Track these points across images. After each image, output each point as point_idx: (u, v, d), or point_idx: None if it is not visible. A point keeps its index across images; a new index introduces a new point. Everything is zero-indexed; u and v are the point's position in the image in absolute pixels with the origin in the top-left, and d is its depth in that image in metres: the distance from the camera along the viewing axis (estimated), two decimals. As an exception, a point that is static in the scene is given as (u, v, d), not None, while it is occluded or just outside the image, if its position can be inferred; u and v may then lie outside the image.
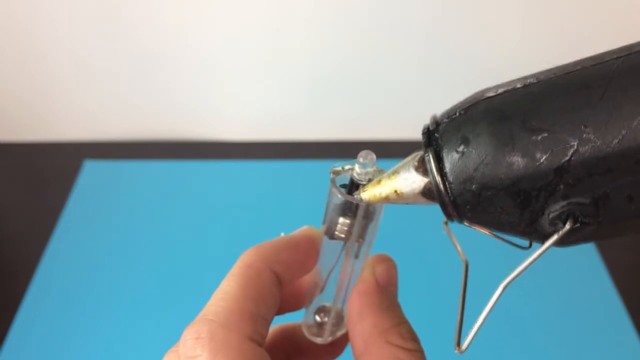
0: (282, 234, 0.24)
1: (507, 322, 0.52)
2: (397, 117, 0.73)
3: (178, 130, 0.74)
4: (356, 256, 0.24)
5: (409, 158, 0.18)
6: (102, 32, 0.64)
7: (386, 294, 0.24)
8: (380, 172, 0.22)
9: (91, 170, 0.68)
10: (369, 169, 0.22)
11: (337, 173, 0.22)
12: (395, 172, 0.18)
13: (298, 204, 0.63)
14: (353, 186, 0.22)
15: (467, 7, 0.62)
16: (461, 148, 0.16)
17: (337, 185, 0.22)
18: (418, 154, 0.18)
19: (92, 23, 0.63)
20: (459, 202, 0.16)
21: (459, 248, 0.23)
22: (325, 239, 0.23)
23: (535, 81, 0.16)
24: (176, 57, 0.67)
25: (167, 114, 0.73)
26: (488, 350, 0.50)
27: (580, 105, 0.14)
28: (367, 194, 0.20)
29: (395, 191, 0.18)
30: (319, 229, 0.24)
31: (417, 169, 0.17)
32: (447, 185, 0.16)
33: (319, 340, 0.25)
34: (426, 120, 0.20)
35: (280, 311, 0.24)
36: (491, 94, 0.17)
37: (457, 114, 0.17)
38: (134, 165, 0.69)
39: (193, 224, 0.61)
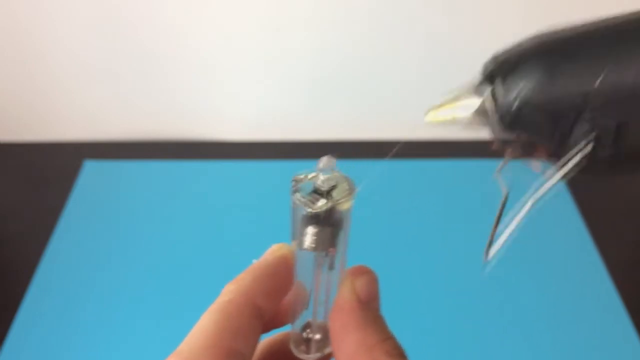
0: (254, 261, 0.24)
1: (507, 322, 0.52)
2: (397, 117, 0.72)
3: (178, 130, 0.74)
4: (331, 267, 0.23)
5: (467, 87, 0.21)
6: (102, 32, 0.64)
7: (368, 309, 0.23)
8: (344, 177, 0.22)
9: (91, 170, 0.68)
10: (332, 175, 0.21)
11: (298, 181, 0.22)
12: (457, 98, 0.21)
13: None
14: (317, 194, 0.21)
15: (467, 7, 0.62)
16: (510, 75, 0.19)
17: (301, 192, 0.22)
18: (476, 83, 0.21)
19: (92, 23, 0.63)
20: (505, 117, 0.19)
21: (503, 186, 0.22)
22: (299, 252, 0.23)
23: (580, 26, 0.19)
24: (176, 57, 0.67)
25: (167, 114, 0.73)
26: (488, 350, 0.50)
27: (609, 44, 0.17)
28: (430, 116, 0.21)
29: (455, 114, 0.21)
30: (290, 243, 0.24)
31: (474, 92, 0.21)
32: (497, 103, 0.19)
33: (306, 357, 0.24)
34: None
35: (266, 329, 0.24)
36: (543, 32, 0.20)
37: (512, 47, 0.20)
38: (134, 165, 0.69)
39: (193, 223, 0.61)
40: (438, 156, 0.70)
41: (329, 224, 0.21)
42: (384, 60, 0.67)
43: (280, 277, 0.23)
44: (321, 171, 0.21)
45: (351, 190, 0.22)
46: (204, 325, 0.21)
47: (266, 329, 0.24)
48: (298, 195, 0.22)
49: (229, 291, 0.22)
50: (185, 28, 0.64)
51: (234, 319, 0.21)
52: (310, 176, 0.22)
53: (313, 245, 0.22)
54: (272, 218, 0.62)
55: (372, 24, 0.63)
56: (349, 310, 0.22)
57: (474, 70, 0.73)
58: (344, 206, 0.22)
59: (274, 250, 0.24)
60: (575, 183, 0.66)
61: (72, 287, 0.55)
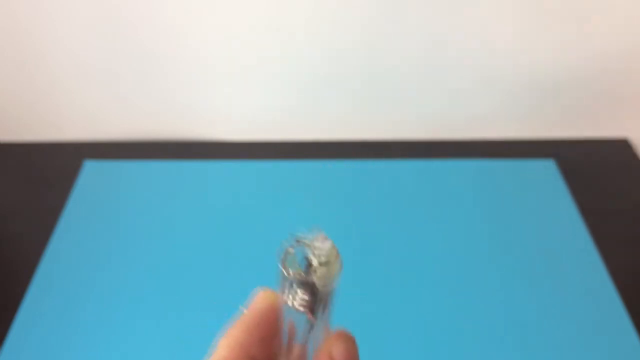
0: (242, 308, 0.24)
1: (506, 322, 0.52)
2: (397, 117, 0.73)
3: (178, 130, 0.74)
4: (311, 330, 0.23)
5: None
6: (102, 32, 0.64)
7: None
8: (337, 253, 0.22)
9: (91, 170, 0.68)
10: (325, 248, 0.22)
11: (297, 243, 0.22)
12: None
13: (298, 204, 0.63)
14: (308, 264, 0.22)
15: (467, 7, 0.62)
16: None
17: (296, 254, 0.22)
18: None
19: (92, 23, 0.63)
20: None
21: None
22: (286, 306, 0.23)
23: None
24: (176, 57, 0.67)
25: (167, 114, 0.73)
26: (488, 350, 0.50)
27: None
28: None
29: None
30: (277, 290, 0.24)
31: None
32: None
33: None
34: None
35: None
36: None
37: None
38: (134, 165, 0.69)
39: (193, 223, 0.61)
40: (438, 156, 0.70)
41: (317, 292, 0.22)
42: (384, 61, 0.67)
43: (270, 324, 0.24)
44: (319, 242, 0.22)
45: (341, 267, 0.22)
46: None
47: None
48: (293, 258, 0.22)
49: (224, 346, 0.23)
50: (185, 28, 0.64)
51: None
52: (307, 242, 0.22)
53: (301, 309, 0.22)
54: (272, 218, 0.62)
55: (372, 24, 0.63)
56: None
57: (474, 70, 0.73)
58: (334, 283, 0.22)
59: (262, 298, 0.24)
60: (576, 183, 0.66)
61: (72, 287, 0.55)
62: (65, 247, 0.59)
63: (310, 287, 0.22)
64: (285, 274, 0.22)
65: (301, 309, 0.22)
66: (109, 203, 0.64)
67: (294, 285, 0.22)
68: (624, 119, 0.73)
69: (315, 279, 0.21)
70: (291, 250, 0.22)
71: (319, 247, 0.22)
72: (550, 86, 0.69)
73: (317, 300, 0.22)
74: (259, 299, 0.24)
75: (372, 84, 0.69)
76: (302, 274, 0.21)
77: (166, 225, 0.61)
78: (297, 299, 0.22)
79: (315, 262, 0.22)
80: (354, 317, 0.52)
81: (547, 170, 0.68)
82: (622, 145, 0.73)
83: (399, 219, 0.62)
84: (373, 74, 0.68)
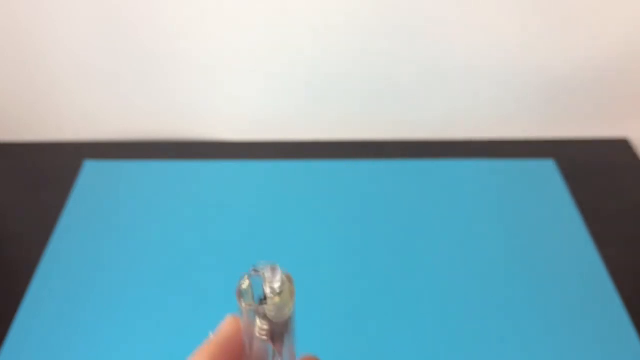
0: (210, 335, 0.25)
1: (506, 322, 0.52)
2: (396, 117, 0.73)
3: (178, 130, 0.74)
4: (277, 356, 0.24)
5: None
6: (102, 32, 0.64)
7: None
8: (289, 279, 0.23)
9: (91, 170, 0.68)
10: (280, 280, 0.22)
11: (243, 285, 0.23)
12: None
13: (298, 204, 0.63)
14: (263, 295, 0.22)
15: (467, 8, 0.62)
16: None
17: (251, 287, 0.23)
18: None
19: (92, 23, 0.63)
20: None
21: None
22: (249, 332, 0.24)
23: None
24: (176, 57, 0.67)
25: (167, 114, 0.73)
26: (487, 350, 0.50)
27: None
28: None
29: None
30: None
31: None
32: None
33: None
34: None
35: None
36: None
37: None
38: (134, 165, 0.69)
39: (193, 223, 0.61)
40: (438, 156, 0.70)
41: (273, 323, 0.22)
42: (384, 61, 0.67)
43: (237, 351, 0.24)
44: (270, 273, 0.22)
45: (293, 297, 0.23)
46: None
47: None
48: (249, 289, 0.22)
49: None
50: (185, 28, 0.64)
51: None
52: (261, 273, 0.22)
53: (262, 337, 0.23)
54: (272, 218, 0.62)
55: (372, 24, 0.63)
56: None
57: (474, 71, 0.73)
58: (286, 312, 0.23)
59: (229, 324, 0.25)
60: (576, 183, 0.66)
61: (72, 287, 0.55)
62: (65, 247, 0.59)
63: (264, 319, 0.22)
64: (239, 305, 0.22)
65: (263, 337, 0.23)
66: (109, 203, 0.64)
67: (251, 316, 0.22)
68: (624, 119, 0.73)
69: (267, 310, 0.22)
70: (246, 281, 0.22)
71: (271, 278, 0.22)
72: (550, 86, 0.69)
73: (275, 329, 0.23)
74: (225, 325, 0.25)
75: (372, 84, 0.69)
76: (255, 305, 0.22)
77: (166, 225, 0.61)
78: (257, 328, 0.23)
79: (267, 293, 0.22)
80: (354, 317, 0.52)
81: (547, 170, 0.68)
82: (622, 145, 0.73)
83: (398, 219, 0.62)
84: (373, 74, 0.68)
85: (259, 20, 0.63)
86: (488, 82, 0.69)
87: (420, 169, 0.68)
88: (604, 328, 0.52)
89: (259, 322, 0.22)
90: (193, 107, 0.72)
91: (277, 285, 0.22)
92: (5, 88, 0.70)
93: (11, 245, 0.61)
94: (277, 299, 0.22)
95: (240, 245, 0.59)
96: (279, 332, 0.23)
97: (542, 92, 0.70)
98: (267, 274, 0.22)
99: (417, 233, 0.60)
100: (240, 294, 0.22)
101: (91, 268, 0.57)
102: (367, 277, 0.56)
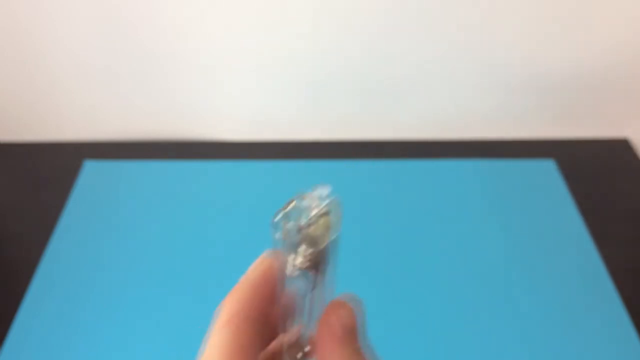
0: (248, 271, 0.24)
1: (506, 322, 0.52)
2: (397, 117, 0.73)
3: (178, 130, 0.74)
4: (314, 289, 0.22)
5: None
6: (102, 32, 0.64)
7: (348, 344, 0.22)
8: (337, 204, 0.21)
9: (91, 170, 0.68)
10: (326, 201, 0.21)
11: (296, 199, 0.22)
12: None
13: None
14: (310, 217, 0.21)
15: (466, 8, 0.62)
16: None
17: (294, 211, 0.21)
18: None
19: (92, 23, 0.63)
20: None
21: None
22: (288, 266, 0.22)
23: None
24: (176, 57, 0.67)
25: (167, 114, 0.73)
26: (487, 351, 0.50)
27: None
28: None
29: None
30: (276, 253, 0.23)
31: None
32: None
33: None
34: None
35: (266, 340, 0.24)
36: None
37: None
38: (134, 165, 0.69)
39: (193, 223, 0.61)
40: (438, 156, 0.70)
41: (318, 247, 0.21)
42: (384, 61, 0.67)
43: (272, 287, 0.23)
44: (316, 196, 0.21)
45: (340, 219, 0.21)
46: (210, 355, 0.21)
47: (270, 337, 0.24)
48: (292, 213, 0.21)
49: (228, 309, 0.22)
50: (185, 28, 0.64)
51: (240, 339, 0.21)
52: (305, 197, 0.22)
53: (300, 266, 0.21)
54: (271, 218, 0.62)
55: (372, 24, 0.63)
56: (326, 346, 0.21)
57: (473, 71, 0.73)
58: (333, 234, 0.21)
59: (264, 259, 0.24)
60: (576, 183, 0.66)
61: (72, 287, 0.55)
62: (65, 247, 0.59)
63: (309, 242, 0.21)
64: (283, 228, 0.21)
65: (302, 267, 0.21)
66: (109, 203, 0.64)
67: (293, 243, 0.21)
68: (624, 119, 0.73)
69: (313, 230, 0.21)
70: (290, 204, 0.21)
71: (317, 199, 0.21)
72: (550, 86, 0.69)
73: (316, 256, 0.21)
74: (260, 260, 0.24)
75: (372, 84, 0.69)
76: (300, 227, 0.21)
77: (166, 225, 0.61)
78: (298, 257, 0.21)
79: (313, 214, 0.21)
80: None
81: (547, 170, 0.68)
82: (622, 145, 0.73)
83: (398, 219, 0.62)
84: (373, 74, 0.68)
85: (259, 20, 0.63)
86: (488, 82, 0.69)
87: (420, 169, 0.68)
88: (604, 328, 0.52)
89: (300, 250, 0.21)
90: (193, 107, 0.72)
91: (325, 203, 0.21)
92: (5, 88, 0.70)
93: (11, 245, 0.61)
94: (322, 219, 0.21)
95: (240, 245, 0.59)
96: (319, 261, 0.21)
97: (542, 92, 0.70)
98: (316, 192, 0.21)
99: (417, 233, 0.60)
100: (284, 217, 0.21)
101: (91, 268, 0.57)
102: (367, 276, 0.56)
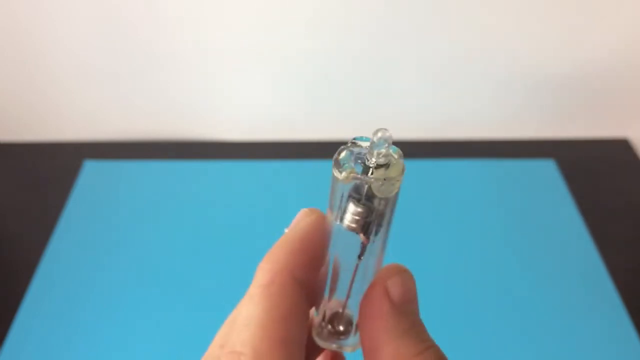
0: (286, 230, 0.21)
1: (506, 322, 0.52)
2: (396, 117, 0.73)
3: (178, 130, 0.74)
4: (361, 255, 0.20)
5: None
6: (102, 32, 0.64)
7: (404, 314, 0.19)
8: (399, 157, 0.18)
9: (91, 170, 0.68)
10: (383, 151, 0.18)
11: (352, 145, 0.19)
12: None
13: (298, 204, 0.63)
14: (365, 169, 0.18)
15: (468, 8, 0.62)
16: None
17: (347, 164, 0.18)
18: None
19: (92, 23, 0.63)
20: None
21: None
22: (335, 226, 0.19)
23: None
24: (176, 57, 0.66)
25: (167, 114, 0.73)
26: (487, 351, 0.50)
27: None
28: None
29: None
30: (325, 212, 0.21)
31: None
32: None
33: (332, 347, 0.21)
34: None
35: (310, 305, 0.21)
36: None
37: None
38: (134, 165, 0.69)
39: (193, 223, 0.61)
40: (438, 156, 0.70)
41: (372, 206, 0.18)
42: (384, 61, 0.67)
43: (316, 246, 0.20)
44: (376, 144, 0.18)
45: (403, 172, 0.18)
46: (250, 314, 0.18)
47: (311, 304, 0.21)
48: (347, 159, 0.18)
49: (267, 271, 0.19)
50: (186, 28, 0.64)
51: (282, 303, 0.18)
52: (364, 145, 0.18)
53: (352, 225, 0.19)
54: (272, 218, 0.62)
55: (372, 24, 0.63)
56: (380, 317, 0.19)
57: (473, 72, 0.73)
58: (394, 189, 0.18)
59: (305, 215, 0.21)
60: (576, 183, 0.66)
61: (72, 287, 0.55)
62: (65, 247, 0.59)
63: (364, 197, 0.18)
64: (337, 175, 0.18)
65: (353, 225, 0.18)
66: (109, 203, 0.64)
67: (346, 197, 0.18)
68: (624, 119, 0.73)
69: (372, 181, 0.18)
70: (345, 150, 0.18)
71: (379, 146, 0.18)
72: (550, 86, 0.69)
73: (371, 214, 0.18)
74: (302, 217, 0.21)
75: (372, 84, 0.69)
76: (357, 174, 0.18)
77: (166, 225, 0.61)
78: (348, 215, 0.18)
79: (372, 163, 0.18)
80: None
81: (547, 170, 0.68)
82: (622, 145, 0.72)
83: (398, 219, 0.62)
84: (373, 75, 0.68)
85: (259, 20, 0.63)
86: (488, 82, 0.69)
87: (420, 169, 0.68)
88: (604, 328, 0.52)
89: (351, 206, 0.18)
90: (193, 107, 0.72)
91: (385, 152, 0.18)
92: (5, 88, 0.70)
93: (11, 245, 0.61)
94: (382, 170, 0.18)
95: (240, 245, 0.59)
96: (374, 220, 0.19)
97: (542, 93, 0.70)
98: (376, 137, 0.18)
99: (417, 233, 0.60)
100: (339, 163, 0.18)
101: (91, 268, 0.57)
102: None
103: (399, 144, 0.20)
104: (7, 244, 0.61)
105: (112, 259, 0.58)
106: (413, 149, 0.71)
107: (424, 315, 0.20)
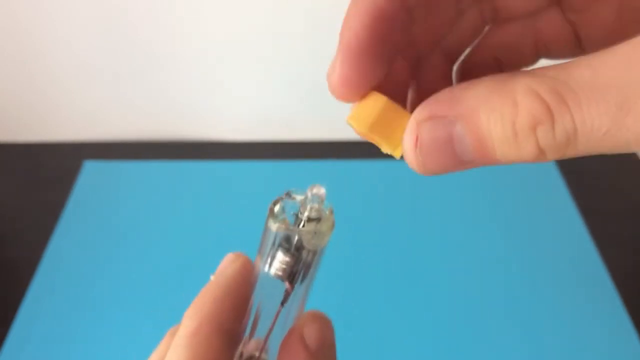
0: (211, 276, 0.22)
1: (506, 322, 0.52)
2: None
3: (178, 130, 0.74)
4: (284, 302, 0.20)
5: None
6: (102, 32, 0.64)
7: (325, 358, 0.20)
8: (330, 212, 0.20)
9: (91, 170, 0.68)
10: (320, 206, 0.19)
11: (286, 197, 0.20)
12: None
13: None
14: (298, 221, 0.19)
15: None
16: None
17: (283, 212, 0.19)
18: None
19: (92, 23, 0.63)
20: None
21: None
22: (262, 272, 0.20)
23: None
24: (176, 57, 0.66)
25: (167, 114, 0.73)
26: (487, 351, 0.50)
27: None
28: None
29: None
30: (253, 258, 0.21)
31: None
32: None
33: None
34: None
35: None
36: None
37: None
38: (134, 165, 0.69)
39: (193, 224, 0.61)
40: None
41: (300, 256, 0.19)
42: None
43: (242, 294, 0.21)
44: (310, 199, 0.19)
45: (332, 228, 0.19)
46: None
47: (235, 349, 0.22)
48: (281, 211, 0.19)
49: (191, 319, 0.20)
50: (186, 28, 0.64)
51: (207, 355, 0.19)
52: (298, 198, 0.20)
53: (279, 273, 0.19)
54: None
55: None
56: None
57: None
58: (323, 242, 0.19)
59: (231, 262, 0.21)
60: (576, 183, 0.66)
61: (72, 287, 0.55)
62: (65, 247, 0.59)
63: (294, 247, 0.19)
64: (270, 226, 0.19)
65: (279, 273, 0.19)
66: (109, 203, 0.64)
67: (276, 245, 0.19)
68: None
69: (302, 234, 0.19)
70: (280, 201, 0.19)
71: (312, 201, 0.19)
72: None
73: (298, 264, 0.19)
74: (227, 263, 0.21)
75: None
76: (289, 226, 0.19)
77: (166, 225, 0.61)
78: (276, 262, 0.19)
79: (304, 216, 0.19)
80: (354, 317, 0.52)
81: (547, 170, 0.68)
82: (622, 145, 0.72)
83: (398, 219, 0.62)
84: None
85: (259, 20, 0.63)
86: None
87: (420, 169, 0.68)
88: (604, 328, 0.52)
89: (280, 254, 0.19)
90: (193, 107, 0.72)
91: (318, 207, 0.19)
92: (5, 88, 0.70)
93: (11, 245, 0.61)
94: (313, 224, 0.19)
95: (240, 246, 0.58)
96: (300, 270, 0.19)
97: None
98: (311, 192, 0.19)
99: (416, 233, 0.60)
100: (272, 214, 0.19)
101: (91, 268, 0.57)
102: (367, 276, 0.56)
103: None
104: (7, 244, 0.61)
105: (112, 259, 0.58)
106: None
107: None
